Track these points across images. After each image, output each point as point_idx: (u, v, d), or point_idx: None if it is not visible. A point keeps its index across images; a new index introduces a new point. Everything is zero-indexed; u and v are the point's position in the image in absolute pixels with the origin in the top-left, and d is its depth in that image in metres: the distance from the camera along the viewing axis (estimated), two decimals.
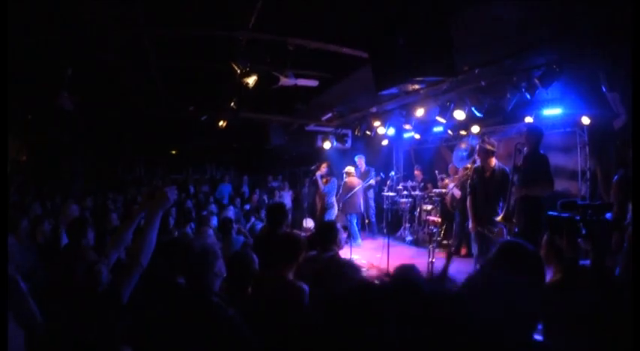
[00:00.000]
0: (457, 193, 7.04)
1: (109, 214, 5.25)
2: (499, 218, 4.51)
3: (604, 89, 4.41)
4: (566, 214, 3.20)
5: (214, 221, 5.89)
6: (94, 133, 10.23)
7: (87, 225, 3.11)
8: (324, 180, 8.43)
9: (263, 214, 7.49)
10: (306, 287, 2.41)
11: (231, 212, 6.88)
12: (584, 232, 2.97)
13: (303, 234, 7.17)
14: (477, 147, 5.11)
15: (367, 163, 9.17)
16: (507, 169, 4.72)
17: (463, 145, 7.70)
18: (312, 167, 8.58)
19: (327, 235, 3.32)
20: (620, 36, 2.98)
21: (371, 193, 9.05)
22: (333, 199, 8.28)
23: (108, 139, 11.16)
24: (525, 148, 4.47)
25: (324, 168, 8.34)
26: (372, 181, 8.81)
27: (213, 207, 7.79)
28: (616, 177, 2.88)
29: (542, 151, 4.50)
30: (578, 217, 3.05)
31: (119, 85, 6.88)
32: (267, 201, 9.58)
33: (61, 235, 3.26)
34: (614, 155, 5.36)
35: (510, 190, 4.39)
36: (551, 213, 3.29)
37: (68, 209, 5.11)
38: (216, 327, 1.99)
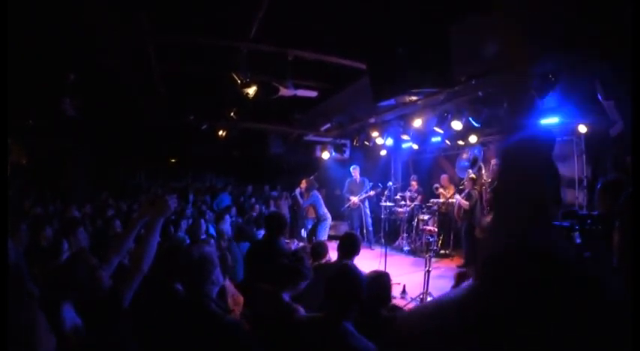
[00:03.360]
0: (464, 203, 7.03)
1: (112, 220, 5.22)
2: None
3: (600, 97, 4.46)
4: (567, 224, 3.22)
5: (211, 229, 5.93)
6: (96, 138, 10.25)
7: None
8: (305, 195, 8.45)
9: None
10: (301, 310, 2.35)
11: (227, 223, 6.86)
12: (578, 241, 2.98)
13: (301, 244, 7.16)
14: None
15: (365, 174, 9.26)
16: None
17: (465, 155, 7.72)
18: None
19: (347, 245, 3.49)
20: (619, 43, 3.02)
21: (367, 204, 9.12)
22: (325, 211, 8.29)
23: (109, 145, 11.16)
24: None
25: (303, 185, 8.39)
26: (372, 193, 8.85)
27: (209, 216, 7.76)
28: (599, 185, 2.86)
29: (554, 163, 4.12)
30: (577, 226, 3.06)
31: (121, 92, 6.91)
32: (264, 210, 9.56)
33: (63, 240, 3.28)
34: (611, 163, 5.40)
35: None
36: (554, 223, 3.29)
37: (70, 214, 5.08)
38: (215, 334, 1.98)
